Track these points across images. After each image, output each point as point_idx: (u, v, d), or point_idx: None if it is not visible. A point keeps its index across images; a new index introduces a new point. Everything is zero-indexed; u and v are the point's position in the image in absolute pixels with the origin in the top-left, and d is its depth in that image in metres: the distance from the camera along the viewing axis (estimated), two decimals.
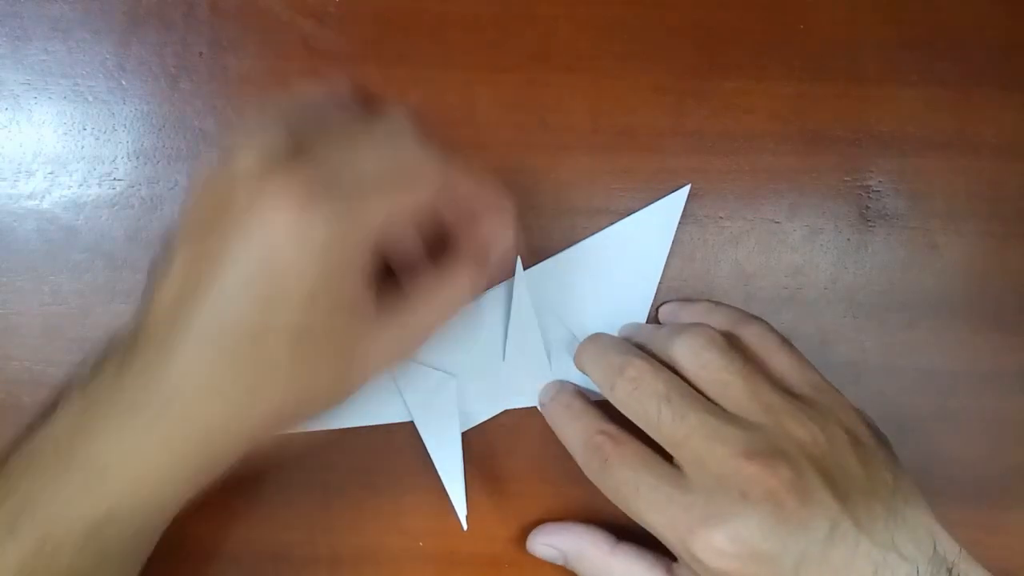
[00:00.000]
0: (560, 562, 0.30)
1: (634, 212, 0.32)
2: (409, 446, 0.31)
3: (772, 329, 0.29)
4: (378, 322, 0.24)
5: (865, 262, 0.33)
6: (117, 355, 0.23)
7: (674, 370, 0.27)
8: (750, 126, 0.32)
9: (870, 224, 0.33)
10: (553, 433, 0.31)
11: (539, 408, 0.31)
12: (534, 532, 0.31)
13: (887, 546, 0.24)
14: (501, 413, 0.32)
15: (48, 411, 0.24)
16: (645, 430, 0.26)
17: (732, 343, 0.28)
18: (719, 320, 0.30)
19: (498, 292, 0.31)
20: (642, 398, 0.26)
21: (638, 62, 0.32)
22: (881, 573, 0.23)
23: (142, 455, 0.23)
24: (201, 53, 0.32)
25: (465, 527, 0.29)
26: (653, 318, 0.32)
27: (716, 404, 0.26)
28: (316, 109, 0.25)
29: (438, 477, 0.31)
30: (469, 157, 0.32)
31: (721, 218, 0.33)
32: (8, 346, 0.31)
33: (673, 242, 0.32)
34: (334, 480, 0.31)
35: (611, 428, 0.27)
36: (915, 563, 0.24)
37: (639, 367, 0.27)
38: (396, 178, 0.23)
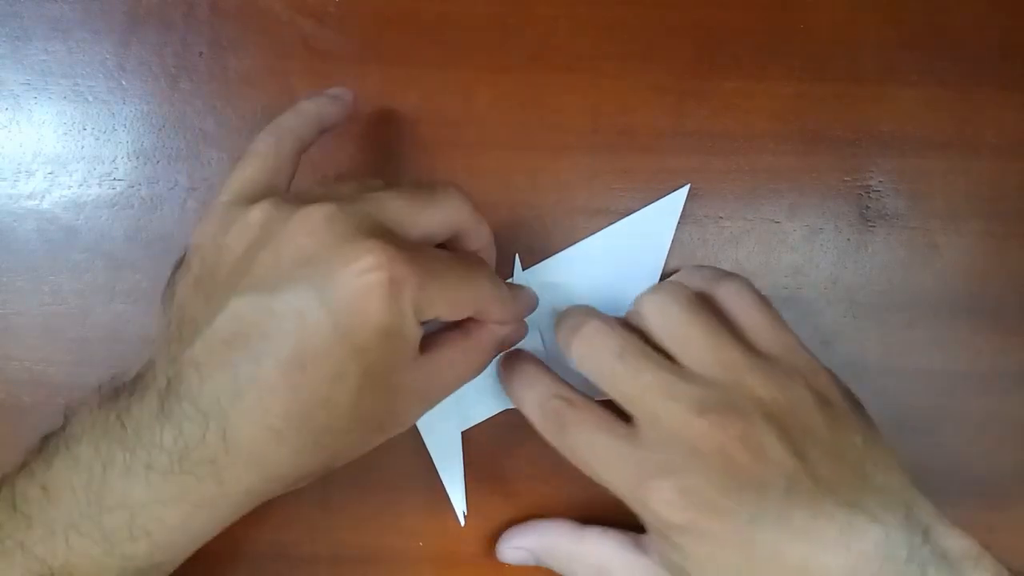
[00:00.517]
0: (532, 562, 0.30)
1: (634, 212, 0.32)
2: (409, 446, 0.31)
3: (750, 287, 0.28)
4: (417, 374, 0.25)
5: (865, 262, 0.33)
6: (151, 396, 0.23)
7: (642, 330, 0.27)
8: (750, 126, 0.32)
9: (870, 224, 0.33)
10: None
11: (499, 378, 0.31)
12: (500, 539, 0.31)
13: (853, 507, 0.23)
14: (501, 413, 0.32)
15: (63, 437, 0.23)
16: (601, 387, 0.26)
17: (702, 300, 0.27)
18: (697, 279, 0.29)
19: None
20: (597, 355, 0.26)
21: (638, 62, 0.32)
22: (847, 534, 0.23)
23: (175, 514, 0.23)
24: (201, 53, 0.32)
25: (463, 523, 0.29)
26: None
27: (675, 362, 0.26)
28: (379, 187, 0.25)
29: (438, 477, 0.31)
30: (469, 157, 0.32)
31: (721, 218, 0.33)
32: (8, 346, 0.31)
33: (673, 242, 0.32)
34: (334, 480, 0.31)
35: (566, 391, 0.27)
36: (885, 525, 0.23)
37: (595, 326, 0.27)
38: (465, 269, 0.25)
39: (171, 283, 0.25)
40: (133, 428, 0.22)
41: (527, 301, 0.29)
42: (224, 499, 0.23)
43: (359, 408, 0.23)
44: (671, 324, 0.26)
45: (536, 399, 0.27)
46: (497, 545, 0.31)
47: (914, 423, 0.29)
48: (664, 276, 0.32)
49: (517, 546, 0.30)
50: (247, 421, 0.22)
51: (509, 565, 0.31)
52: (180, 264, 0.26)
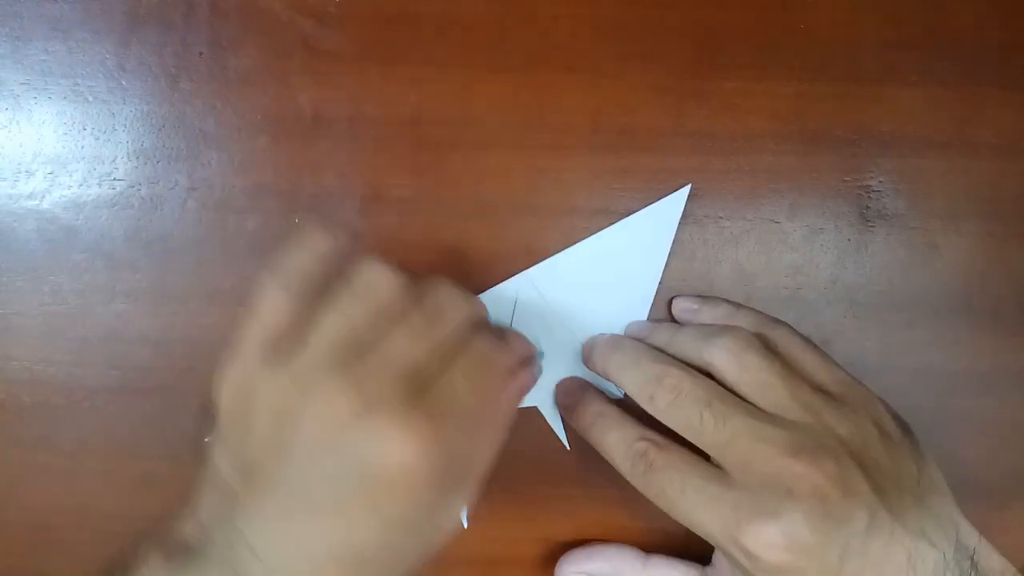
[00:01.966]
0: None
1: (634, 212, 0.32)
2: None
3: (796, 331, 0.29)
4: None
5: (865, 262, 0.33)
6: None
7: (708, 372, 0.27)
8: (750, 126, 0.32)
9: (870, 224, 0.33)
10: (552, 433, 0.31)
11: (560, 411, 0.31)
12: (561, 561, 0.31)
13: (918, 534, 0.24)
14: None
15: None
16: (687, 437, 0.26)
17: (767, 345, 0.28)
18: (746, 323, 0.30)
19: (498, 292, 0.31)
20: (684, 406, 0.26)
21: (638, 62, 0.32)
22: (914, 560, 0.24)
23: None
24: (201, 53, 0.32)
25: (465, 525, 0.29)
26: (653, 317, 0.32)
27: (755, 406, 0.26)
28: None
29: None
30: (469, 157, 0.32)
31: (721, 218, 0.33)
32: (8, 346, 0.31)
33: (673, 242, 0.32)
34: None
35: (652, 434, 0.27)
36: (943, 550, 0.24)
37: (677, 376, 0.27)
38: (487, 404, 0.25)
39: (204, 443, 0.25)
40: None
41: (524, 349, 0.29)
42: None
43: (399, 540, 0.23)
44: (750, 371, 0.27)
45: (620, 442, 0.28)
46: (557, 567, 0.31)
47: (914, 423, 0.29)
48: (664, 278, 0.32)
49: (580, 571, 0.31)
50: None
51: (509, 565, 0.31)
52: (206, 419, 0.25)
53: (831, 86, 0.32)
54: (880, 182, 0.33)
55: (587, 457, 0.32)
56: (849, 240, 0.33)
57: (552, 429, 0.32)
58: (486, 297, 0.31)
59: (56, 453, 0.32)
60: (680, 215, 0.32)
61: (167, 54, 0.32)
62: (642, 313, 0.32)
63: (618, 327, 0.32)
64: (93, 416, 0.32)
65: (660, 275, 0.32)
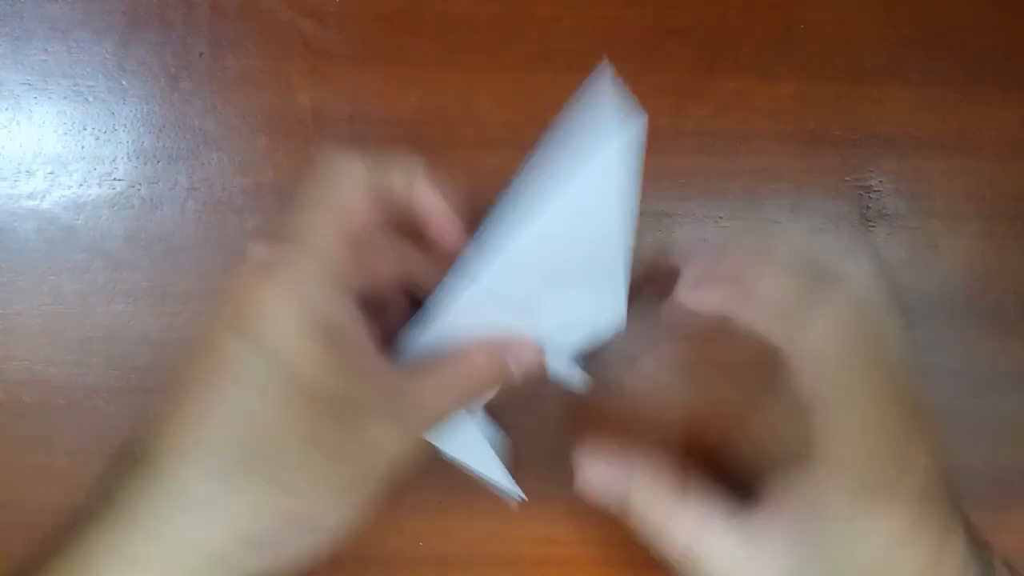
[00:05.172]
0: (611, 503, 0.27)
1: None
2: None
3: None
4: (381, 386, 0.23)
5: None
6: (127, 477, 0.22)
7: None
8: (750, 126, 0.32)
9: (870, 224, 0.33)
10: (551, 433, 0.31)
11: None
12: (587, 461, 0.28)
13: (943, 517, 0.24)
14: (499, 414, 0.31)
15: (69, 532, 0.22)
16: None
17: None
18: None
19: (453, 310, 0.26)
20: None
21: (638, 62, 0.32)
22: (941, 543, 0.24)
23: None
24: (201, 53, 0.32)
25: (524, 497, 0.29)
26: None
27: None
28: None
29: (437, 477, 0.31)
30: (469, 157, 0.32)
31: (721, 218, 0.33)
32: (8, 346, 0.31)
33: (673, 242, 0.32)
34: None
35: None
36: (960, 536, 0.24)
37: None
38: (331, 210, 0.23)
39: None
40: (109, 505, 0.22)
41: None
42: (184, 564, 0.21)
43: (298, 428, 0.21)
44: None
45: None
46: (582, 470, 0.28)
47: None
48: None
49: (608, 482, 0.27)
50: (180, 462, 0.21)
51: (509, 565, 0.31)
52: None
53: (831, 86, 0.32)
54: (880, 182, 0.33)
55: None
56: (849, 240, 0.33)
57: (549, 430, 0.32)
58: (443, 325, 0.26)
59: (56, 453, 0.32)
60: (635, 155, 0.23)
61: (167, 54, 0.32)
62: (620, 264, 0.26)
63: (595, 305, 0.27)
64: (93, 416, 0.32)
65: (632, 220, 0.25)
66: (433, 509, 0.31)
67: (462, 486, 0.30)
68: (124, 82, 0.32)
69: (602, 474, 0.28)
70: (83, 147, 0.32)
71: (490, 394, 0.28)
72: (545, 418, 0.32)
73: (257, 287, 0.21)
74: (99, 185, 0.32)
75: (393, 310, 0.27)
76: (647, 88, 0.32)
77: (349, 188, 0.23)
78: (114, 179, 0.32)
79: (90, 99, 0.32)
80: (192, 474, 0.21)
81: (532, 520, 0.32)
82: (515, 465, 0.32)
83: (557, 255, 0.25)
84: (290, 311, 0.21)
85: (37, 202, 0.32)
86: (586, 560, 0.32)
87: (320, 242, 0.22)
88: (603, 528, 0.32)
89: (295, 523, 0.22)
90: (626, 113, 0.22)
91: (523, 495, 0.29)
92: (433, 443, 0.29)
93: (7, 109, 0.32)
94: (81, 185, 0.32)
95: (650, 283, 0.30)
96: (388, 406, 0.23)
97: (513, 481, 0.29)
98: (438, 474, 0.31)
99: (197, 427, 0.21)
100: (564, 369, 0.30)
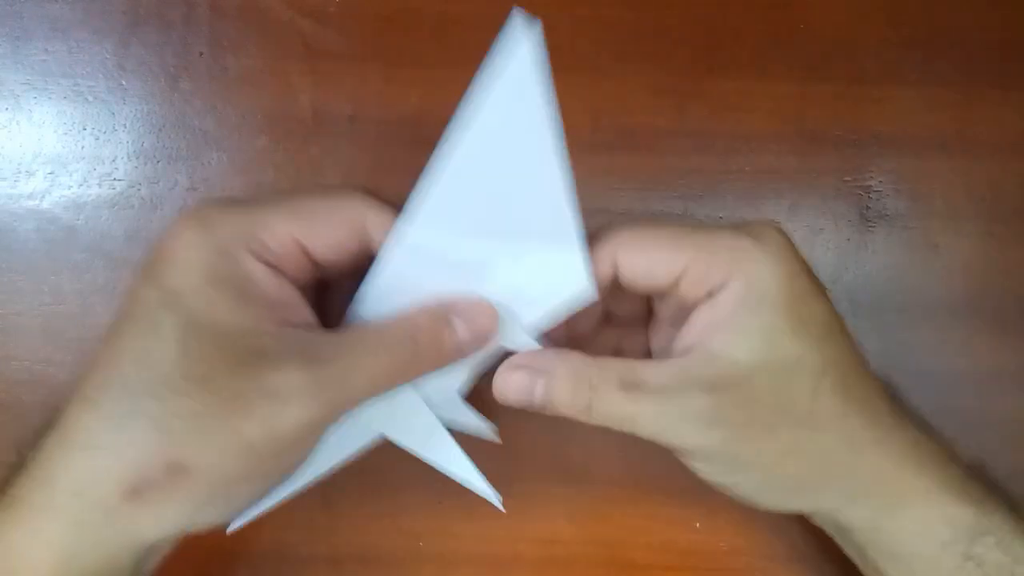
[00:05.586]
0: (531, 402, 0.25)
1: (628, 207, 0.32)
2: None
3: None
4: (295, 360, 0.21)
5: (865, 262, 0.33)
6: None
7: None
8: (750, 126, 0.32)
9: (870, 224, 0.33)
10: (551, 433, 0.31)
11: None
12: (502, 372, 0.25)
13: None
14: (500, 414, 0.31)
15: None
16: None
17: None
18: None
19: (384, 272, 0.24)
20: None
21: (638, 62, 0.32)
22: None
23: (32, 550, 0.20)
24: (201, 53, 0.32)
25: (503, 509, 0.27)
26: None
27: None
28: None
29: (438, 477, 0.30)
30: None
31: (721, 218, 0.33)
32: (8, 346, 0.31)
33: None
34: (334, 480, 0.31)
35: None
36: None
37: None
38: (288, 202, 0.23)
39: None
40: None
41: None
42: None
43: (192, 369, 0.20)
44: None
45: None
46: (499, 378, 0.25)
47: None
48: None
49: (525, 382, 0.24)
50: (78, 406, 0.20)
51: (509, 565, 0.31)
52: None
53: (831, 86, 0.32)
54: (880, 182, 0.33)
55: (586, 455, 0.32)
56: (849, 240, 0.33)
57: (548, 431, 0.32)
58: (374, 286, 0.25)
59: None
60: (538, 50, 0.22)
61: (167, 54, 0.32)
62: (562, 203, 0.23)
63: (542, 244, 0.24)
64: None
65: (558, 143, 0.23)
66: (433, 509, 0.31)
67: (462, 486, 0.30)
68: (124, 82, 0.32)
69: (519, 378, 0.25)
70: (83, 147, 0.32)
71: (460, 376, 0.26)
72: (544, 417, 0.32)
73: (174, 235, 0.21)
74: (99, 185, 0.32)
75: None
76: (647, 88, 0.32)
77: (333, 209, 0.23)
78: (114, 179, 0.32)
79: (90, 99, 0.32)
80: (88, 417, 0.20)
81: (532, 520, 0.32)
82: (513, 465, 0.32)
83: (485, 196, 0.23)
84: (199, 257, 0.21)
85: (37, 202, 0.32)
86: (586, 560, 0.32)
87: (260, 208, 0.22)
88: (603, 528, 0.32)
89: (181, 479, 0.20)
90: (524, 28, 0.21)
91: (499, 501, 0.27)
92: (389, 435, 0.27)
93: (7, 109, 0.32)
94: (81, 185, 0.32)
95: None
96: (299, 358, 0.21)
97: (486, 482, 0.27)
98: (438, 474, 0.31)
99: (98, 369, 0.21)
100: (521, 344, 0.26)
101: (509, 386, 0.25)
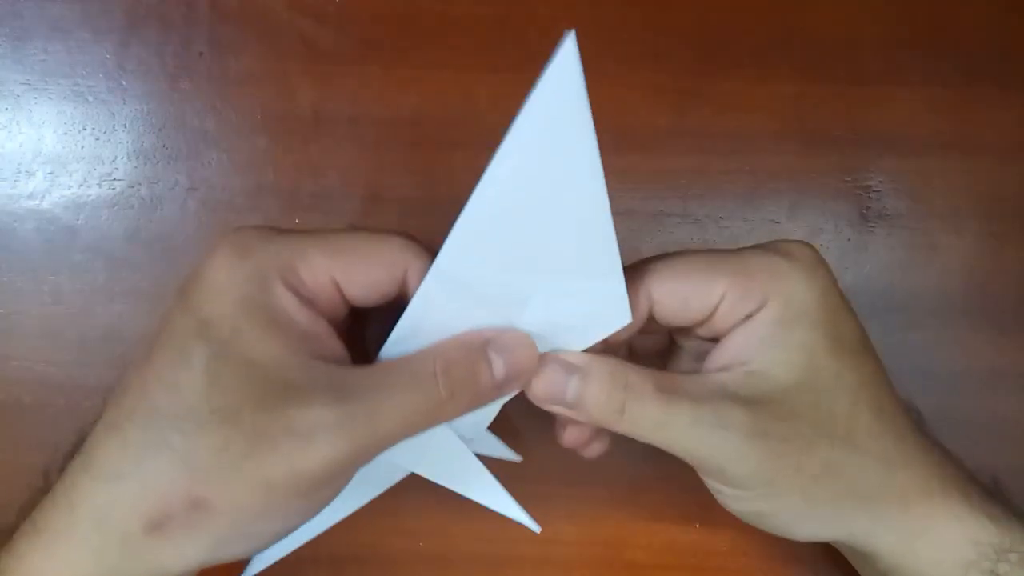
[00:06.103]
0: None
1: (629, 207, 0.32)
2: None
3: None
4: (324, 378, 0.21)
5: (865, 262, 0.33)
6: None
7: None
8: (750, 126, 0.32)
9: (870, 224, 0.33)
10: (550, 433, 0.31)
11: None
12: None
13: None
14: (500, 414, 0.31)
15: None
16: None
17: None
18: None
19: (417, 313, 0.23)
20: None
21: (638, 62, 0.32)
22: None
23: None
24: (201, 53, 0.32)
25: (538, 529, 0.26)
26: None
27: None
28: None
29: None
30: (469, 157, 0.32)
31: (721, 218, 0.33)
32: (8, 346, 0.31)
33: (673, 243, 0.32)
34: None
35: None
36: None
37: None
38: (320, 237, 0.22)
39: None
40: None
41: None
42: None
43: (219, 401, 0.19)
44: None
45: None
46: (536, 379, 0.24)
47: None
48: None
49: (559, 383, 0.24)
50: (104, 433, 0.20)
51: (509, 565, 0.31)
52: None
53: (831, 86, 0.32)
54: (880, 182, 0.33)
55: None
56: (849, 240, 0.33)
57: (547, 432, 0.32)
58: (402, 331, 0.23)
59: (56, 453, 0.32)
60: (581, 78, 0.21)
61: (167, 54, 0.32)
62: (606, 233, 0.22)
63: (585, 273, 0.23)
64: (93, 416, 0.32)
65: (600, 173, 0.22)
66: (433, 509, 0.31)
67: None
68: (124, 82, 0.32)
69: (551, 373, 0.24)
70: (83, 147, 0.32)
71: (492, 411, 0.26)
72: (545, 417, 0.32)
73: (212, 256, 0.21)
74: (99, 185, 0.32)
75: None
76: (647, 88, 0.32)
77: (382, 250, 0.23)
78: (114, 179, 0.32)
79: (90, 99, 0.32)
80: (113, 444, 0.20)
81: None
82: (513, 465, 0.32)
83: (523, 228, 0.21)
84: (232, 283, 0.20)
85: (37, 202, 0.32)
86: (586, 560, 0.32)
87: (300, 240, 0.22)
88: (603, 528, 0.32)
89: (202, 515, 0.20)
90: (572, 54, 0.20)
91: (537, 526, 0.26)
92: (423, 474, 0.27)
93: (7, 109, 0.32)
94: (81, 185, 0.32)
95: None
96: (328, 392, 0.20)
97: (523, 510, 0.26)
98: None
99: (128, 395, 0.21)
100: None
101: (539, 382, 0.23)
